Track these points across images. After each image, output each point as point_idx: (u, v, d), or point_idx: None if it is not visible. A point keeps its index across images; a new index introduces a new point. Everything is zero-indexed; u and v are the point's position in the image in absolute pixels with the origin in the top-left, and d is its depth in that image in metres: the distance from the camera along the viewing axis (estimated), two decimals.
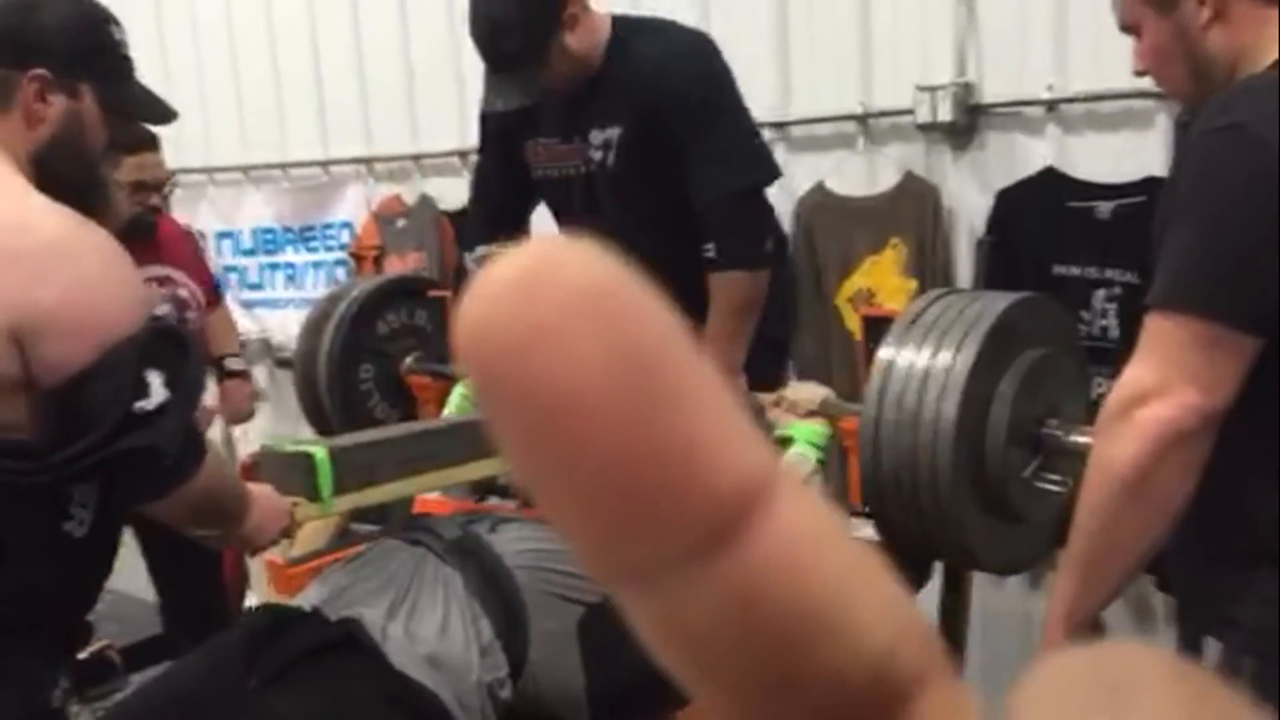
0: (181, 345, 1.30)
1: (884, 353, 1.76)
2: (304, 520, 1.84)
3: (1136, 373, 1.20)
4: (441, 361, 2.72)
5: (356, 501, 1.98)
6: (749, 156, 2.29)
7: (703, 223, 2.25)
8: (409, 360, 2.72)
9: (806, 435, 1.96)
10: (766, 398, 2.06)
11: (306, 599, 1.77)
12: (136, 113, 1.50)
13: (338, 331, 2.62)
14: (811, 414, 1.97)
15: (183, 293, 2.87)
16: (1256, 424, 1.25)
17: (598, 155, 2.32)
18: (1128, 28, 1.42)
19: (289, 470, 1.88)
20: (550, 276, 0.15)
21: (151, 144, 2.64)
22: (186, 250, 3.00)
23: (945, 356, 1.70)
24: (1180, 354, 1.17)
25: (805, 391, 2.01)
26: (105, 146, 1.43)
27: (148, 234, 2.74)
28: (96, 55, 1.40)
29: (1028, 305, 1.80)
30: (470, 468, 2.06)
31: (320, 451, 1.89)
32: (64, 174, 1.34)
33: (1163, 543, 1.31)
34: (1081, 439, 1.71)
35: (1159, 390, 1.17)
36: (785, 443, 1.95)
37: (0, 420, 1.21)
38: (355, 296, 2.70)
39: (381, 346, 2.70)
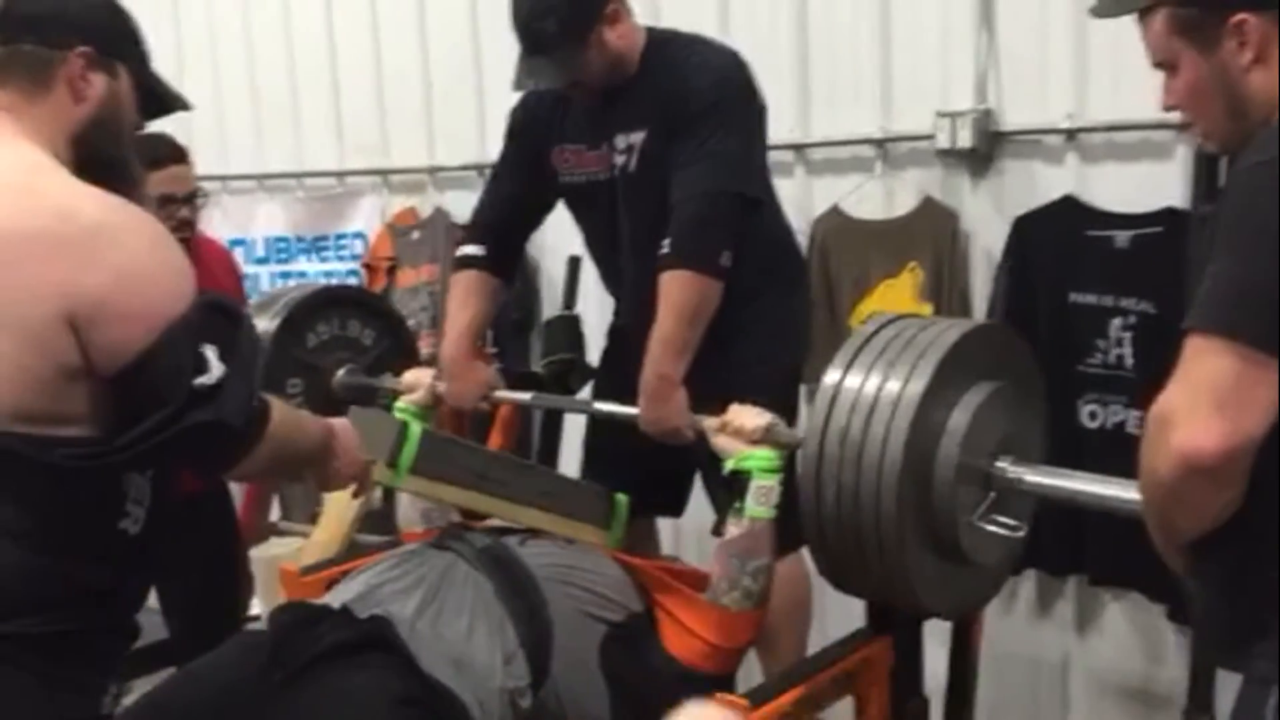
0: (231, 316, 1.31)
1: (829, 378, 1.66)
2: (374, 482, 1.84)
3: (1171, 392, 1.21)
4: (373, 373, 2.63)
5: (423, 489, 2.02)
6: (734, 166, 2.22)
7: (671, 218, 2.18)
8: (340, 373, 2.61)
9: (761, 463, 1.85)
10: (711, 422, 1.96)
11: (336, 597, 1.78)
12: (162, 96, 1.53)
13: (264, 343, 2.40)
14: (756, 441, 1.88)
15: None
16: None
17: (621, 160, 2.30)
18: (1161, 64, 1.42)
19: (379, 430, 1.93)
20: None
21: (179, 156, 2.60)
22: (225, 271, 2.90)
23: (894, 385, 1.60)
24: (1209, 378, 1.18)
25: (750, 417, 1.90)
26: (135, 127, 1.46)
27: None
28: (129, 37, 1.45)
29: (983, 335, 1.72)
30: (529, 512, 2.08)
31: (417, 425, 2.02)
32: (102, 152, 1.37)
33: (1180, 568, 1.33)
34: (1035, 478, 1.64)
35: (1186, 415, 1.18)
36: (743, 476, 1.86)
37: (64, 412, 1.22)
38: (283, 307, 2.56)
39: (311, 359, 2.58)
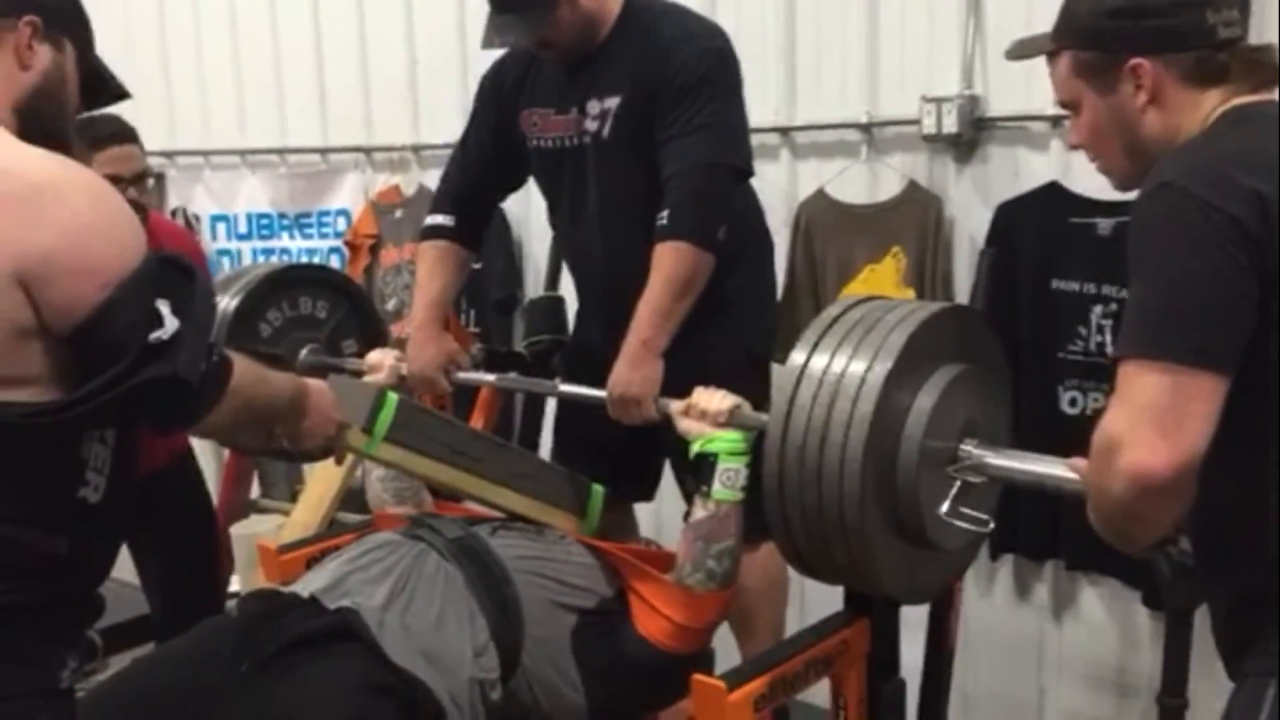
0: (186, 271, 1.30)
1: (795, 359, 1.64)
2: (347, 446, 1.83)
3: (1112, 417, 1.23)
4: (336, 341, 2.56)
5: (396, 459, 1.99)
6: (727, 139, 2.22)
7: (665, 190, 2.17)
8: (303, 354, 2.51)
9: (727, 445, 1.85)
10: (677, 405, 1.96)
11: (305, 585, 1.77)
12: (104, 81, 1.53)
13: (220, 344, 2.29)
14: (722, 424, 1.88)
15: None
16: (1259, 465, 1.28)
17: (593, 126, 2.28)
18: (1066, 104, 1.48)
19: (356, 396, 1.91)
20: None
21: (126, 136, 2.49)
22: (184, 248, 2.70)
23: (858, 367, 1.58)
24: (1145, 400, 1.20)
25: (715, 400, 1.90)
26: (77, 107, 1.46)
27: None
28: (75, 17, 1.46)
29: (950, 317, 1.70)
30: (503, 492, 2.07)
31: (394, 394, 1.98)
32: (47, 123, 1.36)
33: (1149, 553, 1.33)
34: (999, 461, 1.62)
35: (1131, 438, 1.19)
36: (709, 458, 1.86)
37: (20, 374, 1.21)
38: (228, 305, 2.42)
39: (270, 350, 2.45)
